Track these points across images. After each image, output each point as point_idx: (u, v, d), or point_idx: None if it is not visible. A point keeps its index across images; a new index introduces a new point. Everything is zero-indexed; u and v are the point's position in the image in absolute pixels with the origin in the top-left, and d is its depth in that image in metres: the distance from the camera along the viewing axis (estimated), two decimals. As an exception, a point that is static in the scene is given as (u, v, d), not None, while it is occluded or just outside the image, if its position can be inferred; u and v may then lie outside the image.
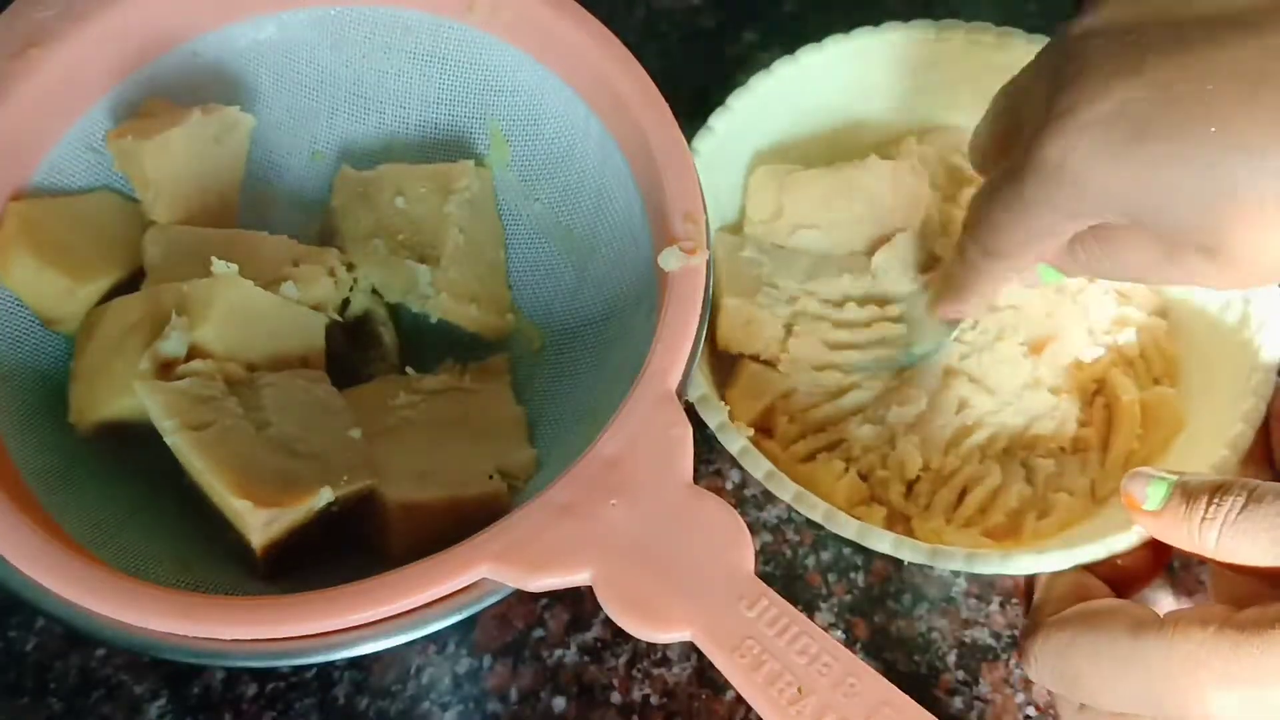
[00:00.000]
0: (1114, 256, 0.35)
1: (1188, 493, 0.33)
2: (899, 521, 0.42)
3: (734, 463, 0.45)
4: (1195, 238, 0.32)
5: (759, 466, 0.38)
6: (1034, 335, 0.44)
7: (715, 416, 0.39)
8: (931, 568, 0.43)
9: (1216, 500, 0.32)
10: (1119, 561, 0.37)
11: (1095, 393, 0.44)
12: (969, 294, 0.40)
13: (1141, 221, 0.33)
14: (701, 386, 0.40)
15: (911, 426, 0.43)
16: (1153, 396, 0.43)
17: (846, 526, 0.37)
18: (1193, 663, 0.30)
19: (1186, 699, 0.30)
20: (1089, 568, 0.37)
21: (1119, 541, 0.37)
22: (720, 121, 0.45)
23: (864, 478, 0.42)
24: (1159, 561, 0.38)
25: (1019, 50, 0.45)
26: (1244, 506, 0.31)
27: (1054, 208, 0.34)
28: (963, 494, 0.42)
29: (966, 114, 0.44)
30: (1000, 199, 0.36)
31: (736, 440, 0.39)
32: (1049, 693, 0.40)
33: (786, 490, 0.38)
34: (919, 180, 0.46)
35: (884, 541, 0.37)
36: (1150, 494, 0.34)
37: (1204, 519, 0.32)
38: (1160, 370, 0.44)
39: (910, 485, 0.42)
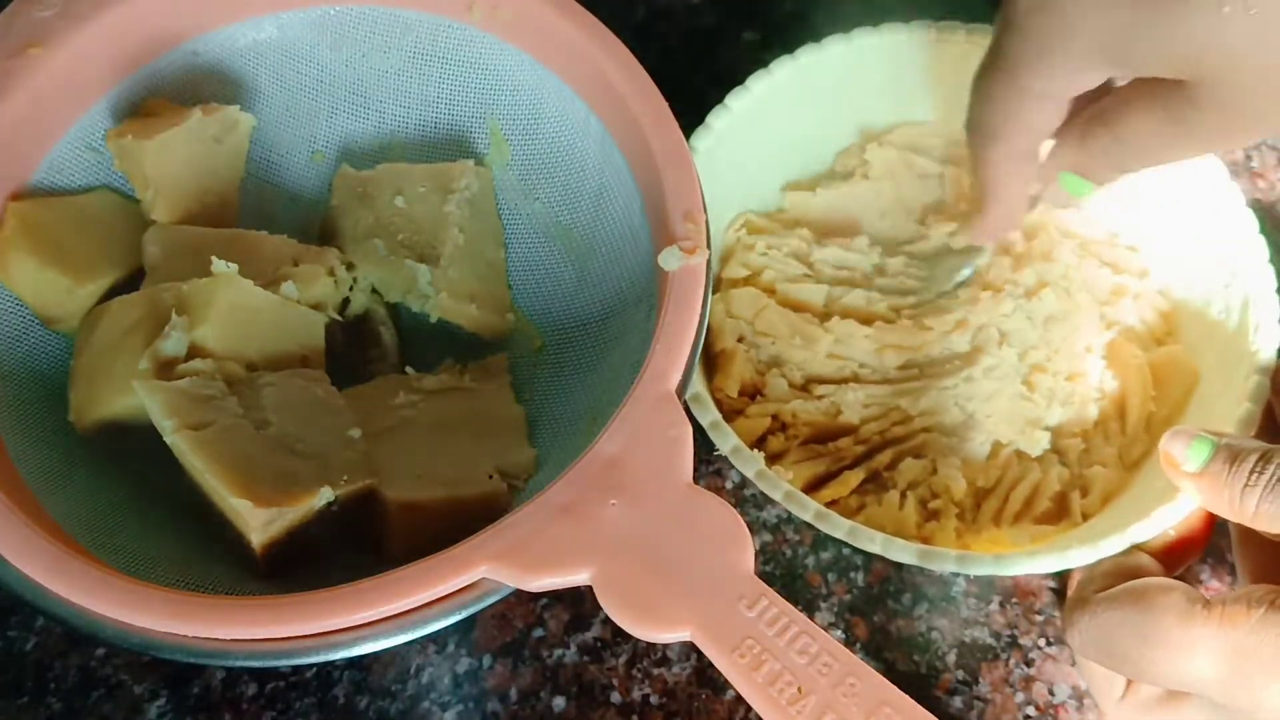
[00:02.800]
0: (1120, 137, 0.35)
1: (1233, 455, 0.33)
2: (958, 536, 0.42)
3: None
4: (1184, 77, 0.32)
5: (750, 465, 0.39)
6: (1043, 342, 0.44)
7: (707, 415, 0.40)
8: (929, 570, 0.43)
9: (1259, 467, 0.32)
10: (1170, 532, 0.37)
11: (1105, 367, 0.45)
12: (989, 202, 0.40)
13: (1130, 65, 0.33)
14: (696, 384, 0.40)
15: (951, 449, 0.43)
16: (1160, 356, 0.44)
17: (837, 526, 0.37)
18: (1241, 653, 0.30)
19: (1238, 688, 0.30)
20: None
21: (1141, 531, 0.37)
22: (719, 120, 0.45)
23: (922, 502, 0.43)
24: (1206, 534, 0.37)
25: None
26: None
27: (1042, 57, 0.34)
28: (1007, 495, 0.42)
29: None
30: (987, 72, 0.36)
31: (728, 440, 0.39)
32: (1083, 684, 0.41)
33: (777, 489, 0.38)
34: (901, 178, 0.47)
35: (874, 542, 0.37)
36: (1191, 455, 0.34)
37: (1247, 485, 0.32)
38: (1162, 332, 0.45)
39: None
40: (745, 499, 0.45)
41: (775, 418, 0.44)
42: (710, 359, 0.46)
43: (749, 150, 0.47)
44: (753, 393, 0.45)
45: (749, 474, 0.39)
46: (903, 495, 0.42)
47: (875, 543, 0.37)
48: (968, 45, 0.46)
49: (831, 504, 0.42)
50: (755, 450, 0.40)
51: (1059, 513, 0.42)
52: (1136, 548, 0.37)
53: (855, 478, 0.43)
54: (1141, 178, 0.39)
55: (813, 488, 0.43)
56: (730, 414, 0.44)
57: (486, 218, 0.45)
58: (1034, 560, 0.37)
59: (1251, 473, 0.32)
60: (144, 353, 0.36)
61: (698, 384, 0.40)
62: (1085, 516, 0.41)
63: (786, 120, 0.47)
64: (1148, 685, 0.35)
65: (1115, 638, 0.33)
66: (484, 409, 0.41)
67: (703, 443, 0.45)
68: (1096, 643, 0.34)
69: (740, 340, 0.45)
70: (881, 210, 0.48)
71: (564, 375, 0.43)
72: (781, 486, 0.38)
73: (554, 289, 0.44)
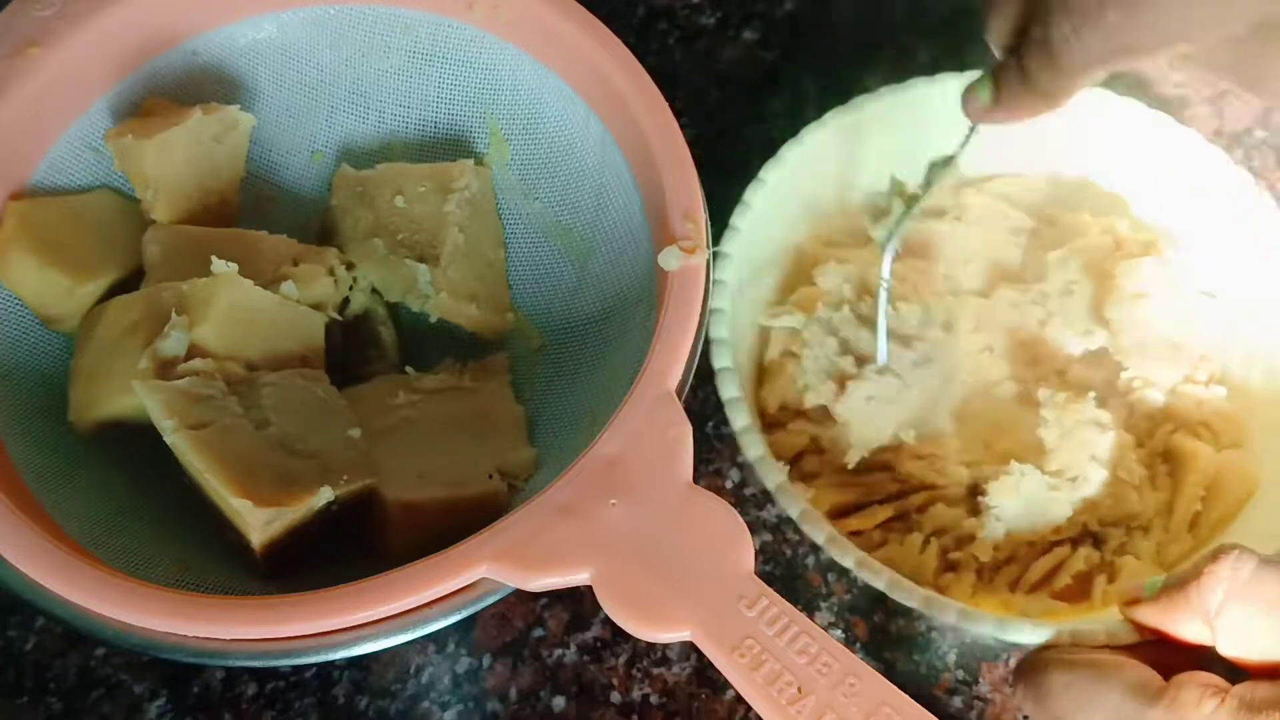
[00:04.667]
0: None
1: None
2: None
3: (733, 462, 0.45)
4: None
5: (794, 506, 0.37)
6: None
7: (740, 420, 0.39)
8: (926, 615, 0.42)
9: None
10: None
11: (1161, 459, 0.43)
12: (1021, 111, 0.37)
13: None
14: (758, 446, 0.38)
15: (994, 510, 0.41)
16: (1222, 458, 0.42)
17: (847, 554, 0.36)
18: None
19: None
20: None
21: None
22: (771, 173, 0.43)
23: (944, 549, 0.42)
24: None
25: None
26: None
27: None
28: (1029, 563, 0.41)
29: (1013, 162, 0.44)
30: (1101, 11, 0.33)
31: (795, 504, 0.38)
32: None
33: (794, 507, 0.37)
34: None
35: (879, 578, 0.36)
36: (1146, 588, 0.33)
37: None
38: (1228, 438, 0.43)
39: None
40: (745, 499, 0.45)
41: (815, 439, 0.43)
42: (761, 367, 0.45)
43: (834, 168, 0.46)
44: (799, 409, 0.44)
45: (769, 486, 0.38)
46: (926, 541, 0.41)
47: (881, 580, 0.36)
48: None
49: (853, 535, 0.41)
50: (783, 464, 0.39)
51: (1079, 593, 0.40)
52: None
53: (883, 513, 0.42)
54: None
55: (838, 515, 0.42)
56: (773, 425, 0.43)
57: (486, 217, 0.45)
58: (1037, 630, 0.35)
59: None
60: (144, 352, 0.36)
61: (738, 389, 0.39)
62: (1105, 604, 0.40)
63: (879, 146, 0.46)
64: None
65: (1058, 700, 0.32)
66: (484, 409, 0.41)
67: (702, 442, 0.46)
68: (1038, 699, 0.33)
69: (791, 354, 0.44)
70: (966, 257, 0.47)
71: (564, 375, 0.43)
72: (799, 505, 0.37)
73: (554, 289, 0.44)
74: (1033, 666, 0.34)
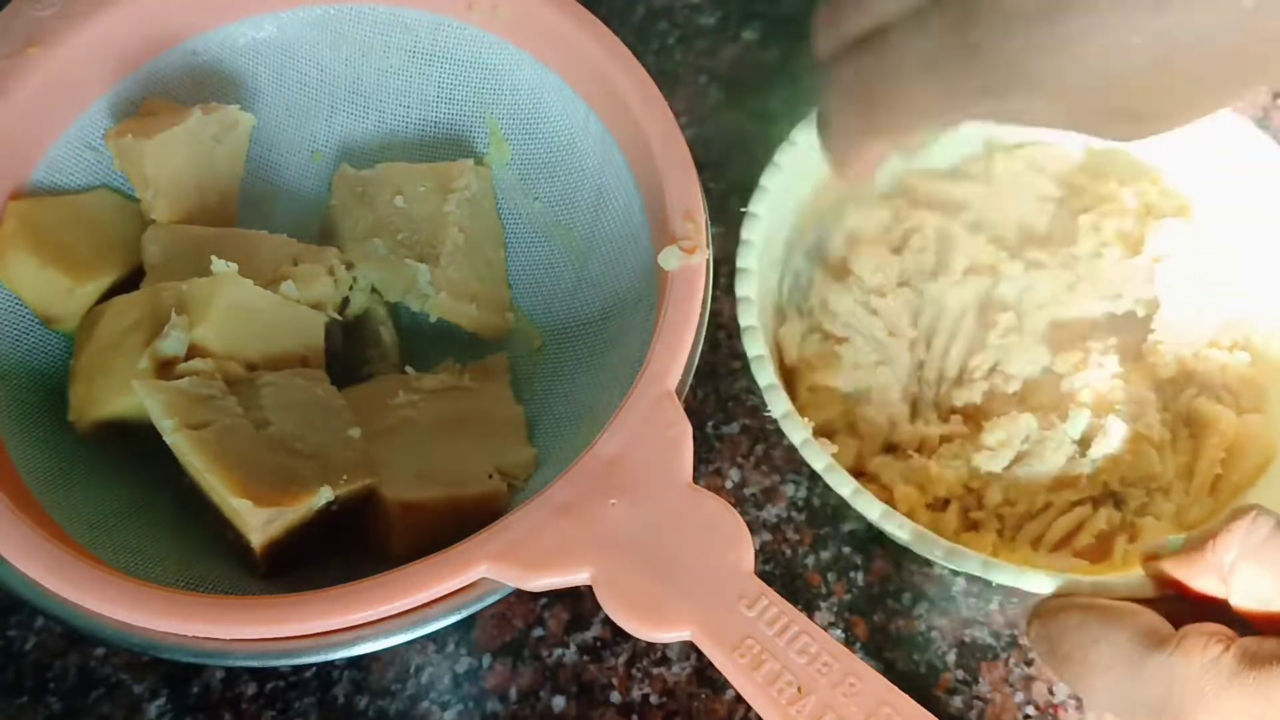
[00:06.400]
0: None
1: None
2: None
3: (733, 462, 0.45)
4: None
5: (819, 459, 0.37)
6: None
7: (765, 377, 0.38)
8: (938, 565, 0.43)
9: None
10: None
11: (1184, 423, 0.43)
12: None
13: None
14: (769, 375, 0.39)
15: (1005, 470, 0.42)
16: (1242, 423, 0.42)
17: (871, 507, 0.36)
18: (1189, 690, 0.30)
19: (1166, 715, 0.30)
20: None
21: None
22: (771, 181, 0.43)
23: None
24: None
25: None
26: None
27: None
28: (1051, 522, 0.42)
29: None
30: (915, 61, 0.28)
31: (799, 432, 0.38)
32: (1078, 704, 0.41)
33: (819, 460, 0.37)
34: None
35: (904, 530, 0.36)
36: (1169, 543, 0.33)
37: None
38: (1249, 402, 0.43)
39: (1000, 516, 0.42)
40: (745, 498, 0.45)
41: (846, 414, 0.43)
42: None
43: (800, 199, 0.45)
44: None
45: (795, 440, 0.38)
46: (946, 502, 0.41)
47: (905, 531, 0.36)
48: None
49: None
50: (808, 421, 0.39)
51: (1100, 553, 0.41)
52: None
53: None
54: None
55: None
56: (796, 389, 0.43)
57: (486, 217, 0.45)
58: (1054, 580, 0.35)
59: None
60: (144, 352, 0.36)
61: (761, 345, 0.39)
62: (1125, 564, 0.40)
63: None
64: None
65: (1069, 639, 0.33)
66: (484, 409, 0.41)
67: (702, 442, 0.46)
68: (1049, 640, 0.34)
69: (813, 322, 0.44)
70: (993, 220, 0.47)
71: (564, 375, 0.43)
72: (823, 458, 0.37)
73: (554, 289, 0.44)
74: (1047, 609, 0.34)
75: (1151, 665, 0.31)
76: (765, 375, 0.39)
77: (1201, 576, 0.32)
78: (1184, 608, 0.33)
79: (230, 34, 0.43)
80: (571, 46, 0.42)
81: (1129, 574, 0.37)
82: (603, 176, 0.42)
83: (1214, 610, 0.32)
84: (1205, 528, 0.33)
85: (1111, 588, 0.35)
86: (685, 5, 0.57)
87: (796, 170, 0.43)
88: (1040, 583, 0.35)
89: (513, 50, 0.43)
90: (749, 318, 0.40)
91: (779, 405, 0.38)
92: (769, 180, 0.43)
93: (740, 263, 0.41)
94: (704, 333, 0.37)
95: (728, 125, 0.53)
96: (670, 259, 0.37)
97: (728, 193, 0.48)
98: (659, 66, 0.40)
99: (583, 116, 0.42)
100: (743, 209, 0.42)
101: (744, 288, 0.40)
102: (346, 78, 0.45)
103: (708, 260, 0.37)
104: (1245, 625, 0.32)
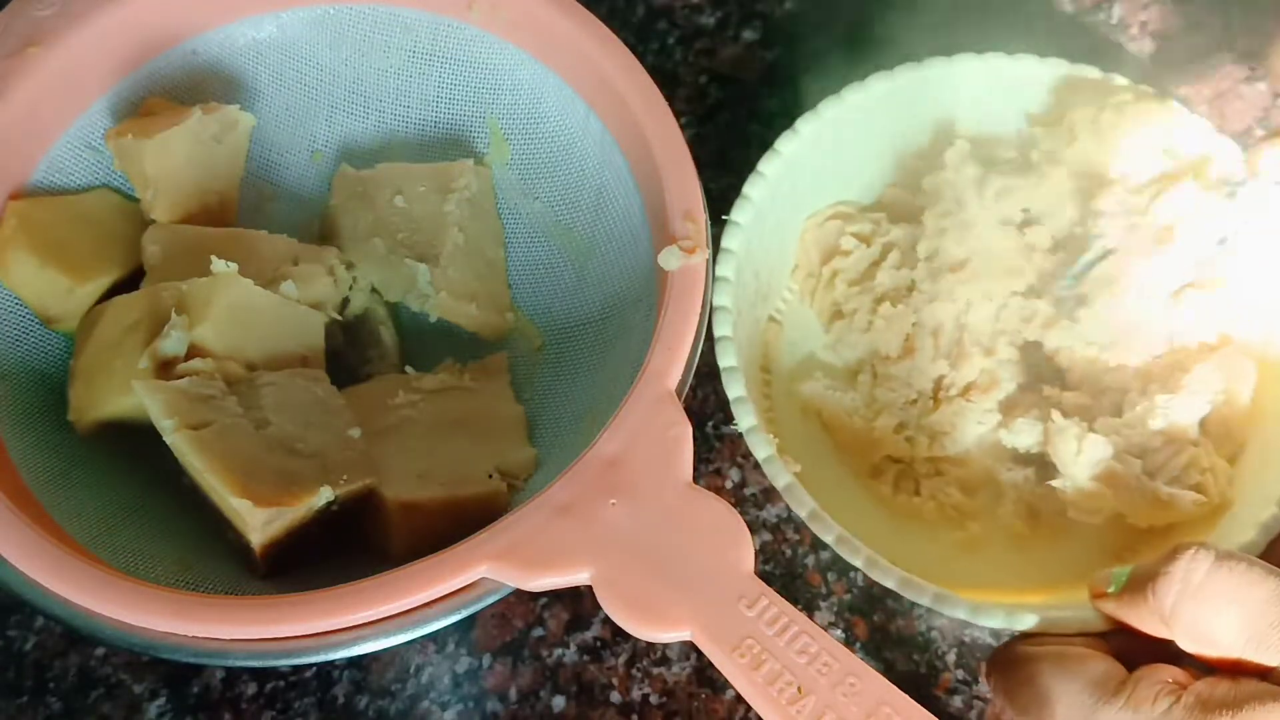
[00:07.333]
0: None
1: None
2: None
3: (733, 462, 0.45)
4: None
5: (803, 504, 0.36)
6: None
7: (763, 449, 0.37)
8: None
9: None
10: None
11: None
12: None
13: None
14: (750, 417, 0.38)
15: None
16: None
17: (856, 553, 0.35)
18: None
19: None
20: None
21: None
22: (770, 167, 0.43)
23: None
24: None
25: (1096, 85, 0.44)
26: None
27: None
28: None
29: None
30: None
31: (782, 476, 0.37)
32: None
33: (803, 507, 0.36)
34: None
35: (889, 578, 0.35)
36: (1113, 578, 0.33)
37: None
38: (1228, 451, 0.41)
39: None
40: (745, 498, 0.45)
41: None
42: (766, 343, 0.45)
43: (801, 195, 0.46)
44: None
45: (759, 456, 0.37)
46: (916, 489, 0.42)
47: (891, 578, 0.35)
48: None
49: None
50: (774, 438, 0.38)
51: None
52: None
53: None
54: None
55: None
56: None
57: (486, 217, 0.45)
58: (1013, 618, 0.34)
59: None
60: (144, 352, 0.36)
61: (733, 358, 0.38)
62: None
63: (888, 127, 0.46)
64: None
65: (1023, 693, 0.32)
66: (484, 409, 0.41)
67: (702, 442, 0.46)
68: (1006, 692, 0.33)
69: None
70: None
71: (564, 375, 0.43)
72: (786, 476, 0.36)
73: (554, 289, 0.44)
74: (1003, 659, 0.34)
75: (1103, 716, 0.30)
76: (746, 419, 0.37)
77: (1145, 620, 0.32)
78: (1137, 644, 0.32)
79: (230, 34, 0.43)
80: (571, 46, 0.42)
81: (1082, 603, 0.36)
82: (603, 176, 0.42)
83: (1166, 646, 0.32)
84: (1144, 566, 0.32)
85: (1065, 624, 0.34)
86: (685, 5, 0.57)
87: (780, 182, 0.43)
88: (1029, 624, 0.34)
89: (512, 50, 0.43)
90: (728, 358, 0.38)
91: (745, 419, 0.37)
92: (752, 189, 0.42)
93: (720, 270, 0.39)
94: (704, 333, 0.37)
95: (728, 125, 0.53)
96: (670, 259, 0.37)
97: (728, 193, 0.47)
98: (659, 66, 0.40)
99: (582, 116, 0.42)
100: (724, 216, 0.40)
101: (722, 327, 0.38)
102: (346, 78, 0.45)
103: (708, 260, 0.37)
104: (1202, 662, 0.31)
